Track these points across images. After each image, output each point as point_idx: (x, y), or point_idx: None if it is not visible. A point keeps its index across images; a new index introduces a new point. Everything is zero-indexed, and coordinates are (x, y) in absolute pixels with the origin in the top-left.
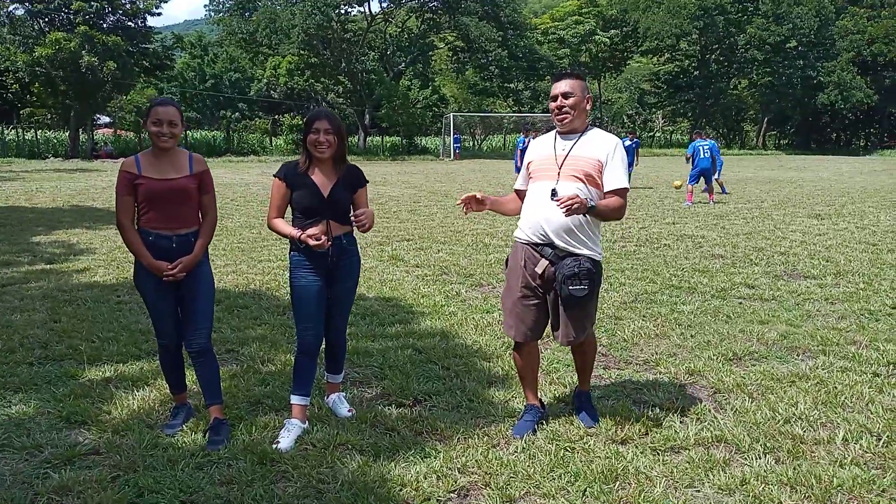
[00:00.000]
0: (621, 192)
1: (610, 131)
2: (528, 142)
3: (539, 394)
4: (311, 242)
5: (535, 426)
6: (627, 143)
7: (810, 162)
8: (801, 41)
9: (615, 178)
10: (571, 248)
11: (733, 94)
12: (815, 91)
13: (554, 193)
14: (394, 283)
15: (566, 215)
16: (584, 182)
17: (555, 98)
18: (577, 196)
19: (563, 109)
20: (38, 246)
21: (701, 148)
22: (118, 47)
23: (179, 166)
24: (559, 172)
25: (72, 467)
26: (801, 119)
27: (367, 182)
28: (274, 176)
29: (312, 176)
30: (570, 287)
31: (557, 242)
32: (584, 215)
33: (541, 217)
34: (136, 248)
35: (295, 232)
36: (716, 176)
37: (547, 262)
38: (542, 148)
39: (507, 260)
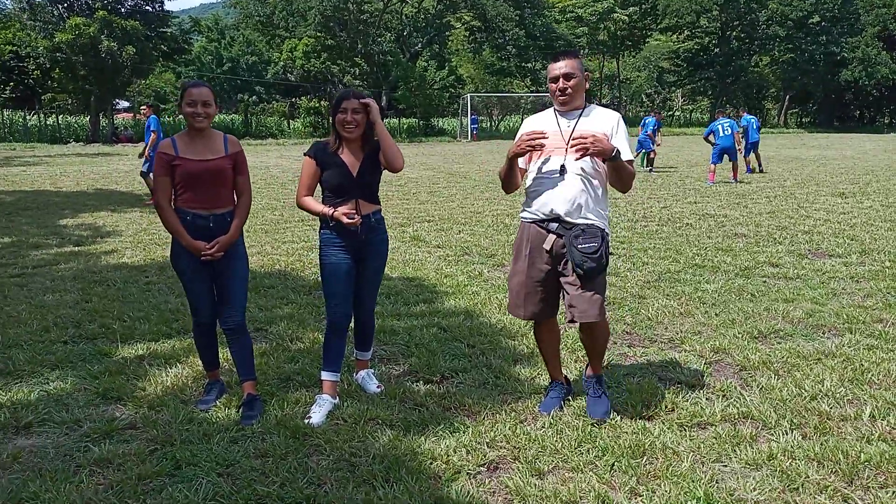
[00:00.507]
0: (629, 164)
1: (629, 110)
2: None
3: (564, 371)
4: (344, 220)
5: (562, 402)
6: (650, 120)
7: (833, 140)
8: (824, 16)
9: (622, 149)
10: (579, 220)
11: (754, 71)
12: (838, 67)
13: (563, 170)
14: (416, 263)
15: (584, 155)
16: (591, 157)
17: (555, 79)
18: (597, 136)
19: (566, 91)
20: (65, 229)
21: (721, 127)
22: (136, 32)
23: (215, 148)
24: (566, 150)
25: (110, 441)
26: (824, 96)
27: None
28: (304, 154)
29: (342, 155)
30: (580, 245)
31: (565, 217)
32: (592, 187)
33: (548, 193)
34: (175, 229)
35: (327, 209)
36: (744, 153)
37: (554, 236)
38: (543, 126)
39: (514, 241)
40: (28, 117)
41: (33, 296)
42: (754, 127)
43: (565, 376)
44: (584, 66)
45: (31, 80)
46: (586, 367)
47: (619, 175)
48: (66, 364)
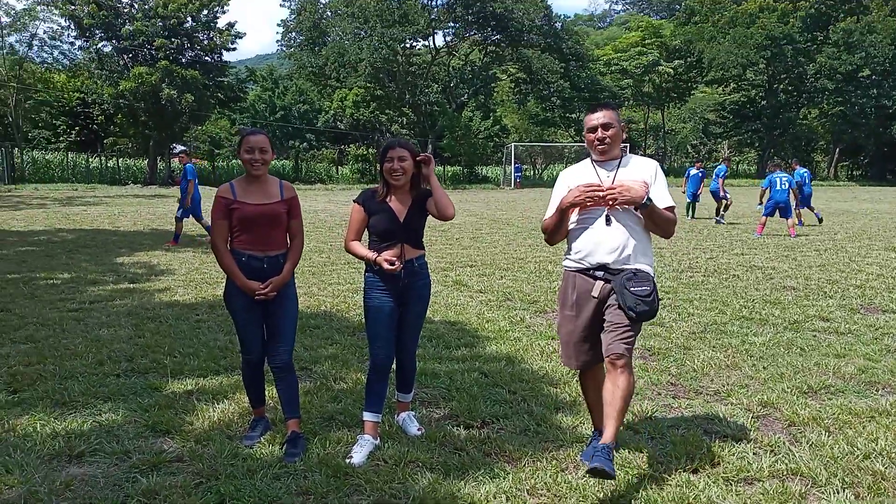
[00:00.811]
0: (671, 211)
1: (673, 161)
2: None
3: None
4: (386, 266)
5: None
6: (694, 172)
7: (886, 193)
8: (874, 70)
9: (663, 196)
10: (625, 266)
11: (803, 124)
12: (890, 121)
13: (608, 220)
14: (458, 307)
15: (614, 205)
16: (634, 206)
17: (594, 129)
18: (624, 184)
19: (605, 140)
20: (121, 266)
21: (778, 180)
22: (196, 81)
23: (271, 192)
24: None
25: (158, 473)
26: (876, 149)
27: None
28: (354, 201)
29: (389, 202)
30: (633, 288)
31: (612, 265)
32: (636, 235)
33: (594, 242)
34: (231, 270)
35: (371, 255)
36: (797, 207)
37: (601, 282)
38: (583, 177)
39: (559, 291)
40: (90, 159)
41: (89, 330)
42: (807, 180)
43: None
44: (620, 117)
45: (95, 125)
46: (593, 437)
47: (654, 222)
48: (118, 396)
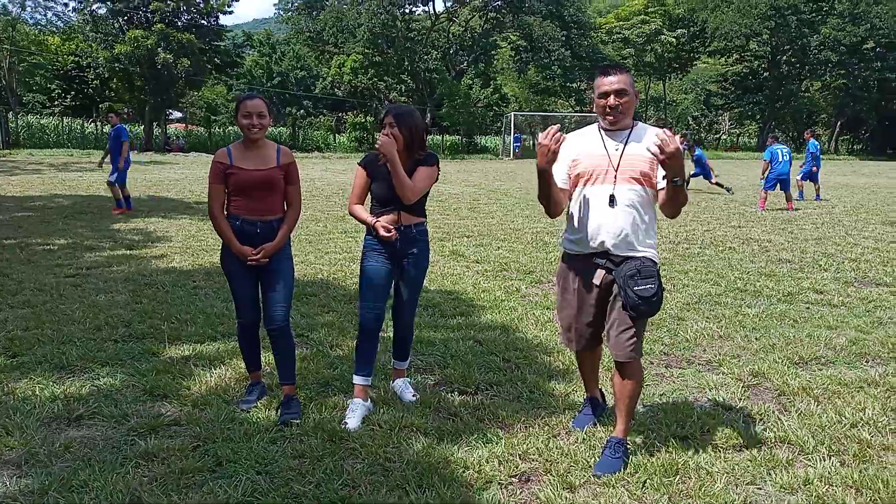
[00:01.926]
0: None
1: (675, 132)
2: None
3: (600, 387)
4: (382, 233)
5: (596, 420)
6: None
7: (885, 168)
8: (879, 42)
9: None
10: (629, 253)
11: (805, 96)
12: (892, 95)
13: (612, 200)
14: (455, 277)
15: (662, 156)
16: (641, 184)
17: (605, 95)
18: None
19: (617, 109)
20: (118, 232)
21: (780, 152)
22: (192, 45)
23: (268, 158)
24: (616, 176)
25: (156, 436)
26: (877, 123)
27: (433, 164)
28: (358, 164)
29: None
30: (636, 287)
31: (613, 250)
32: (641, 217)
33: (595, 225)
34: (226, 235)
35: (371, 219)
36: (798, 180)
37: (603, 271)
38: (588, 146)
39: (557, 271)
40: (85, 125)
41: (87, 296)
42: (818, 153)
43: (601, 391)
44: (632, 82)
45: (90, 90)
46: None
47: (675, 200)
48: (115, 361)
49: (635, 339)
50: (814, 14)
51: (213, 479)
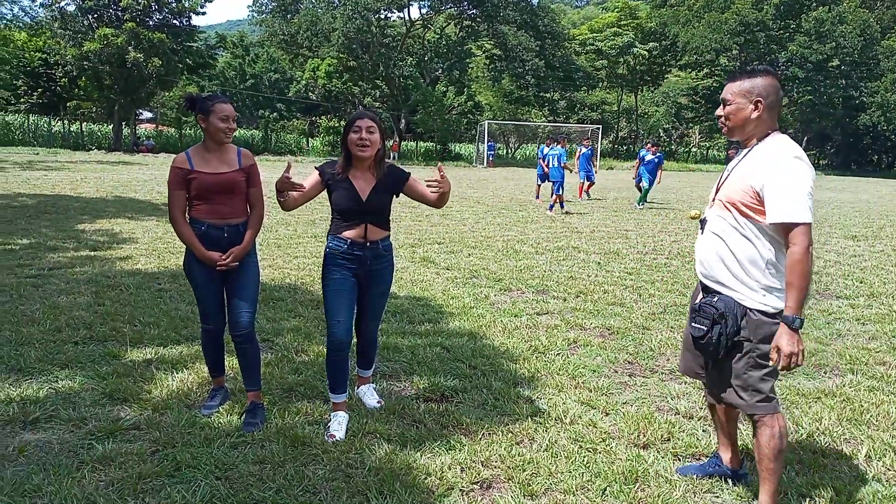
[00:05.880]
0: (789, 228)
1: (643, 144)
2: (561, 151)
3: (729, 450)
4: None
5: (707, 474)
6: (650, 157)
7: (849, 183)
8: (843, 60)
9: (777, 209)
10: (715, 286)
11: None
12: (857, 111)
13: (703, 223)
14: (424, 283)
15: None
16: (731, 211)
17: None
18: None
19: (720, 119)
20: (83, 233)
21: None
22: (163, 44)
23: (229, 160)
24: (714, 198)
25: (114, 440)
26: (842, 139)
27: (409, 174)
28: (315, 167)
29: (352, 179)
30: (692, 323)
31: (701, 277)
32: (729, 247)
33: (696, 248)
34: (190, 241)
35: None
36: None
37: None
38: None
39: None
40: (52, 123)
41: (48, 296)
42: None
43: (734, 457)
44: (753, 90)
45: (57, 87)
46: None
47: (802, 291)
48: (75, 364)
49: (736, 388)
50: (781, 31)
51: (172, 484)
